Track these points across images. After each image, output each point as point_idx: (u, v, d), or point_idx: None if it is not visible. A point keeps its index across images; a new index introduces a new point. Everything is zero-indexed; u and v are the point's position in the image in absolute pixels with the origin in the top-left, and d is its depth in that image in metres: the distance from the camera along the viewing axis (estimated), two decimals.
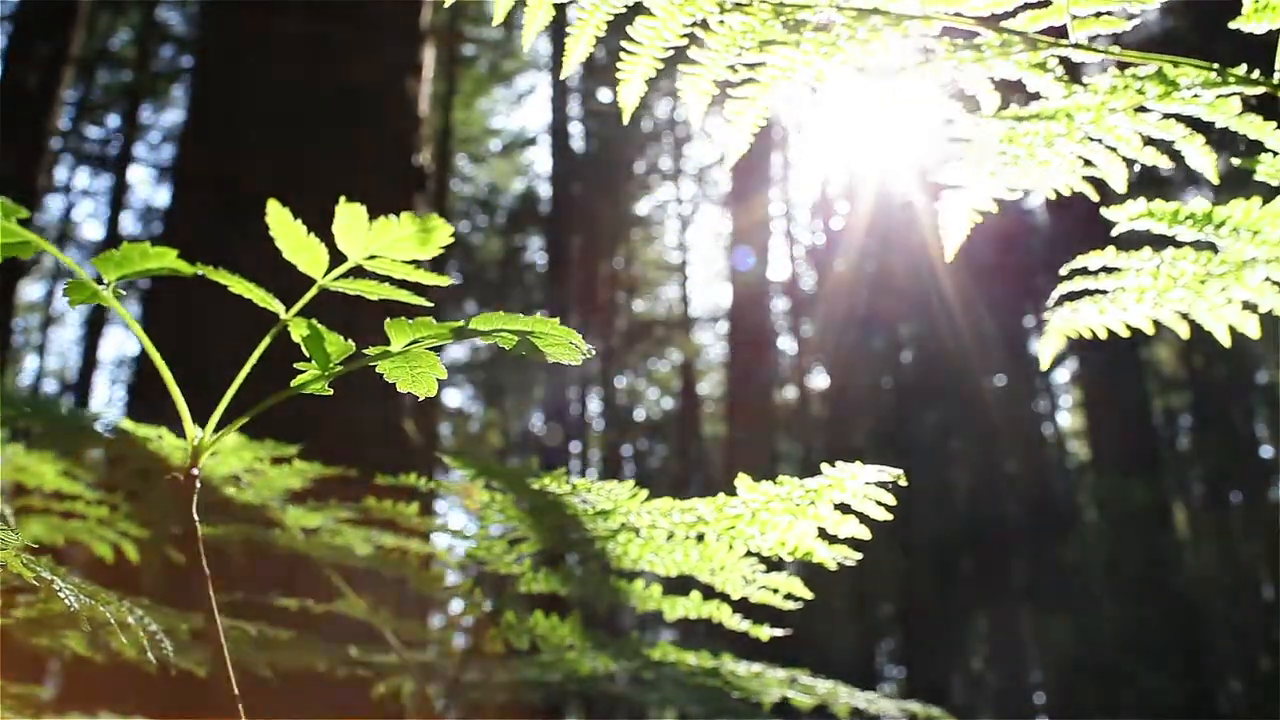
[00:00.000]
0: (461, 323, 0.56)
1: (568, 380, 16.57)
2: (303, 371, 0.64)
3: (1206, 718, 11.92)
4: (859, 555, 1.04)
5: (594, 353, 0.57)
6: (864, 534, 0.99)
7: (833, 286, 17.39)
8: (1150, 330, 1.33)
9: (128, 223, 14.95)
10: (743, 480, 0.88)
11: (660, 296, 20.70)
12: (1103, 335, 1.37)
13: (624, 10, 0.90)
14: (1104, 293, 1.29)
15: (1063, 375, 18.95)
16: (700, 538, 1.07)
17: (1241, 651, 15.92)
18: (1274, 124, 1.01)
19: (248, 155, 3.99)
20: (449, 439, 18.99)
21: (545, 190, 18.20)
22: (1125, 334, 1.34)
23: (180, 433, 1.50)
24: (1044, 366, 1.41)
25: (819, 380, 18.77)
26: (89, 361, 14.37)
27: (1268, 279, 1.22)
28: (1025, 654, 17.11)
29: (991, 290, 15.36)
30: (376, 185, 4.04)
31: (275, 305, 0.57)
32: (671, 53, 0.91)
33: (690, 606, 1.21)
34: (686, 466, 18.54)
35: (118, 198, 14.17)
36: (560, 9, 0.92)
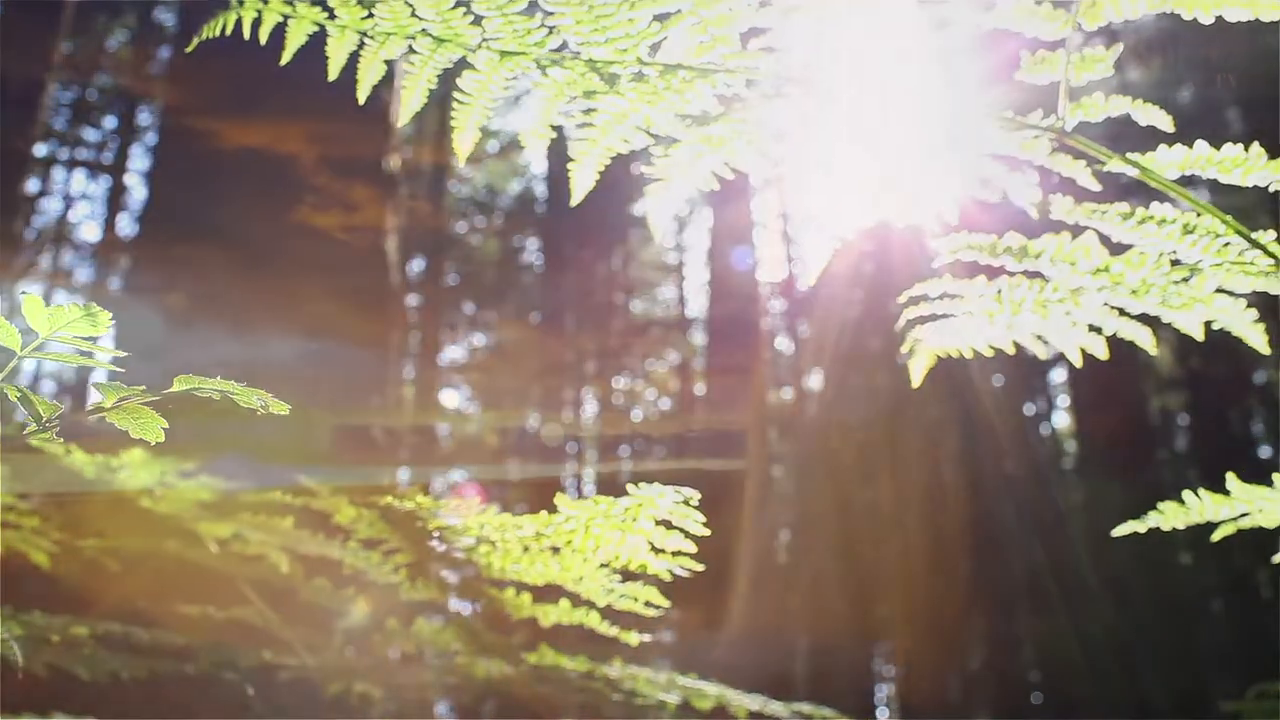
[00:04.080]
0: (143, 388, 0.64)
1: (565, 381, 16.64)
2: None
3: (1204, 718, 11.93)
4: (700, 567, 1.10)
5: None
6: (689, 548, 1.05)
7: (829, 287, 17.42)
8: (1011, 350, 1.39)
9: (125, 224, 15.05)
10: (561, 499, 0.95)
11: (657, 297, 20.77)
12: (968, 354, 1.43)
13: (451, 65, 0.97)
14: (952, 316, 1.36)
15: (1060, 375, 18.94)
16: (556, 550, 1.14)
17: (1239, 652, 15.93)
18: (1083, 162, 1.07)
19: (218, 123, 4.08)
20: (446, 440, 19.07)
21: (542, 191, 18.28)
22: (989, 353, 1.41)
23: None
24: (914, 384, 1.47)
25: (816, 381, 18.81)
26: None
27: (1106, 304, 1.29)
28: (1022, 654, 17.11)
29: None
30: (344, 188, 4.11)
31: None
32: (500, 102, 0.98)
33: (561, 613, 1.28)
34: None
35: (115, 200, 14.28)
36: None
